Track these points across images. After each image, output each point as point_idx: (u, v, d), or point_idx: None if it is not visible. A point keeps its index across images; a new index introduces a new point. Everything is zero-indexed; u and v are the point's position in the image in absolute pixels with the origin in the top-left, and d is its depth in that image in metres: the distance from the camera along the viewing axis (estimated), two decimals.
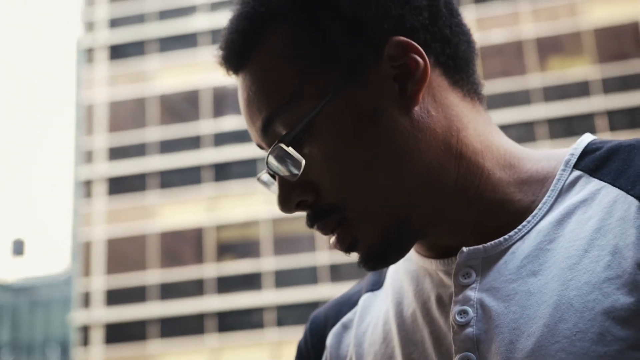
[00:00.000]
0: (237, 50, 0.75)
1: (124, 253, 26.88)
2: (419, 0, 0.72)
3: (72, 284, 34.16)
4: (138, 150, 27.92)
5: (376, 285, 0.84)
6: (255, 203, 26.38)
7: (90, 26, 29.84)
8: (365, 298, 0.83)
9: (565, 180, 0.72)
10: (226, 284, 25.72)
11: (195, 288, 25.95)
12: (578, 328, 0.62)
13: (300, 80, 0.70)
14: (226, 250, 26.54)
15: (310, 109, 0.69)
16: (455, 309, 0.69)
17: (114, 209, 27.44)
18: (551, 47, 24.43)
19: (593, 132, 20.74)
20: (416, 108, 0.70)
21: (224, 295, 25.55)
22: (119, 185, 27.64)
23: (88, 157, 28.42)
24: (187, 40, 28.60)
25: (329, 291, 24.65)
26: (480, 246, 0.71)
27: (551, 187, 0.71)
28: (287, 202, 0.71)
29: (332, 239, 0.73)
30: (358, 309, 0.83)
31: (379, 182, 0.69)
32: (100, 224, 27.33)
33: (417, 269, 0.77)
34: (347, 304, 0.85)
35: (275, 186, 0.75)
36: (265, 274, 25.56)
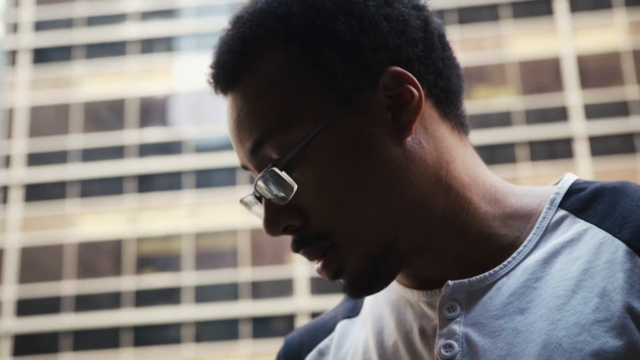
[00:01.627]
0: (229, 70, 0.74)
1: (38, 262, 26.07)
2: (415, 32, 0.73)
3: None
4: (59, 157, 27.23)
5: (353, 312, 0.83)
6: (177, 216, 26.05)
7: (14, 28, 29.04)
8: (342, 325, 0.83)
9: (551, 219, 0.73)
10: (144, 298, 25.24)
11: (112, 301, 25.37)
12: None
13: (294, 105, 0.70)
14: (146, 263, 26.08)
15: (304, 135, 0.69)
16: (440, 342, 0.69)
17: (31, 216, 26.63)
18: (476, 77, 25.07)
19: (514, 161, 21.33)
20: (409, 138, 0.71)
21: (142, 309, 25.06)
22: (37, 192, 26.86)
23: (6, 161, 27.54)
24: (115, 48, 28.15)
25: (249, 308, 24.49)
26: (466, 280, 0.71)
27: (536, 225, 0.72)
28: (273, 225, 0.71)
29: (318, 265, 0.73)
30: (335, 335, 0.82)
31: (369, 210, 0.69)
32: (15, 231, 26.47)
33: (397, 299, 0.77)
34: (323, 329, 0.84)
35: (257, 208, 0.75)
36: (185, 289, 25.21)
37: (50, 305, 25.42)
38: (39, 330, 25.13)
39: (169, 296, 25.17)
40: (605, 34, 25.33)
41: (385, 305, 0.78)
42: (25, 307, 25.51)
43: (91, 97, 27.85)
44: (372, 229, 0.70)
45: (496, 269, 0.71)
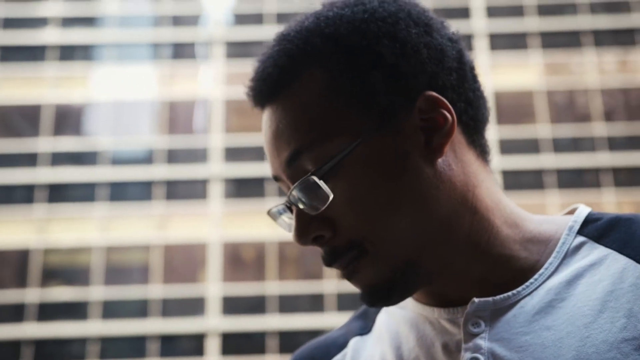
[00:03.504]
0: (271, 83, 0.76)
1: None
2: (451, 62, 0.78)
3: None
4: None
5: (364, 330, 0.85)
6: (88, 228, 25.38)
7: None
8: (354, 341, 0.84)
9: (570, 244, 0.77)
10: (49, 311, 24.38)
11: (14, 313, 24.39)
12: None
13: (334, 120, 0.73)
14: (52, 275, 25.23)
15: (342, 148, 0.72)
16: (466, 355, 0.72)
17: None
18: None
19: None
20: (439, 160, 0.75)
21: (45, 323, 24.19)
22: None
23: None
24: (33, 53, 27.36)
25: (158, 326, 24.01)
26: (490, 298, 0.74)
27: (556, 249, 0.76)
28: (304, 235, 0.73)
29: (340, 268, 0.75)
30: (348, 351, 0.84)
31: (397, 226, 0.72)
32: None
33: (415, 317, 0.79)
34: (335, 345, 0.86)
35: (283, 219, 0.78)
36: (93, 304, 24.50)
37: None
38: None
39: (75, 310, 24.41)
40: (521, 72, 26.37)
41: (403, 323, 0.80)
42: None
43: (4, 102, 26.93)
44: (399, 243, 0.73)
45: (519, 289, 0.74)
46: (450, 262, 0.75)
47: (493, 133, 25.29)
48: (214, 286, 24.46)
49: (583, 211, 0.81)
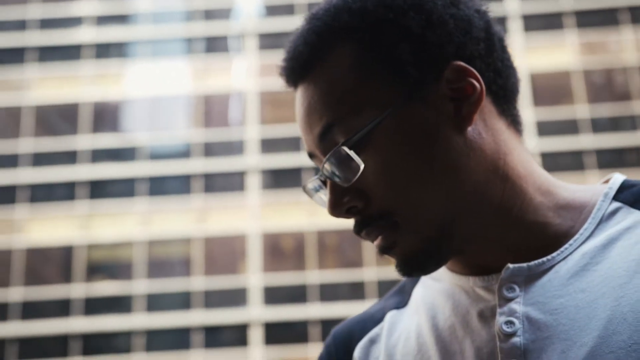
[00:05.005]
0: (302, 62, 0.78)
1: None
2: (478, 32, 0.79)
3: None
4: (9, 161, 26.65)
5: (401, 304, 0.86)
6: (129, 223, 25.73)
7: None
8: (391, 314, 0.86)
9: (606, 209, 0.77)
10: (94, 306, 24.82)
11: (60, 308, 24.87)
12: (633, 340, 0.65)
13: (363, 93, 0.75)
14: (96, 270, 25.66)
15: (371, 120, 0.73)
16: (500, 319, 0.72)
17: None
18: None
19: None
20: (469, 129, 0.75)
21: (91, 317, 24.64)
22: None
23: None
24: (68, 52, 27.74)
25: (201, 317, 24.29)
26: (524, 264, 0.74)
27: (592, 215, 0.77)
28: (338, 206, 0.75)
29: (375, 240, 0.77)
30: (385, 324, 0.85)
31: (429, 195, 0.73)
32: None
33: (450, 287, 0.80)
34: (372, 320, 0.87)
35: (319, 195, 0.79)
36: (136, 297, 24.88)
37: None
38: None
39: (120, 304, 24.81)
40: (557, 53, 26.02)
41: (438, 294, 0.81)
42: None
43: (43, 101, 27.37)
44: (431, 211, 0.74)
45: (554, 254, 0.75)
46: (483, 230, 0.75)
47: (530, 115, 25.04)
48: (254, 277, 24.65)
49: (618, 178, 0.81)
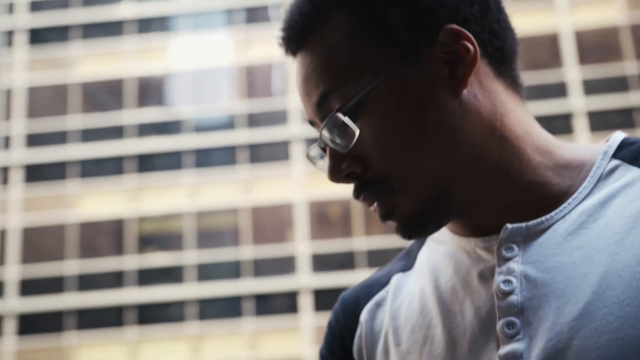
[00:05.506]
0: (299, 31, 0.80)
1: (40, 243, 26.15)
2: None
3: None
4: (58, 138, 27.20)
5: (406, 267, 0.88)
6: (178, 195, 26.12)
7: (9, 8, 28.86)
8: (397, 277, 0.87)
9: (604, 168, 0.77)
10: (147, 277, 25.36)
11: (114, 280, 25.48)
12: (626, 295, 0.66)
13: (358, 60, 0.76)
14: (147, 242, 26.17)
15: (365, 86, 0.75)
16: (499, 278, 0.73)
17: (31, 197, 26.65)
18: None
19: None
20: (464, 91, 0.76)
21: (145, 288, 25.20)
22: (37, 173, 26.86)
23: (5, 142, 27.50)
24: (111, 28, 28.03)
25: (251, 286, 24.65)
26: (523, 224, 0.75)
27: (591, 174, 0.77)
28: (336, 172, 0.76)
29: (374, 205, 0.78)
30: (390, 287, 0.86)
31: (424, 158, 0.74)
32: (16, 212, 26.51)
33: (453, 249, 0.81)
34: (378, 284, 0.89)
35: (321, 163, 0.81)
36: (187, 267, 25.34)
37: (54, 285, 25.53)
38: (42, 309, 25.27)
39: (171, 275, 25.30)
40: (604, 9, 25.37)
41: (441, 257, 0.83)
42: (29, 287, 25.62)
43: (88, 78, 27.77)
44: (427, 174, 0.74)
45: (552, 213, 0.75)
46: (481, 191, 0.76)
47: (576, 74, 24.57)
48: (302, 245, 24.87)
49: (618, 136, 0.81)
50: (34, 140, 27.26)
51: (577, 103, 24.60)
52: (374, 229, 24.30)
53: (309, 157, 0.83)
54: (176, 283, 25.14)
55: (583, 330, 0.65)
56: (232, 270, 24.99)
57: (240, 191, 25.90)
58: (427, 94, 0.75)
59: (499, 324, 0.71)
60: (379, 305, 0.86)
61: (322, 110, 0.77)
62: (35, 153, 27.07)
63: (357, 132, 0.74)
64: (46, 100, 27.85)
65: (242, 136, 26.31)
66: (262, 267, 24.81)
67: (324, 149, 0.80)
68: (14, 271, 25.86)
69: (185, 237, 25.80)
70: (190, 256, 25.44)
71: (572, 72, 24.93)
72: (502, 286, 0.72)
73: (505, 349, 0.69)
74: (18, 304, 25.51)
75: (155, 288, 25.11)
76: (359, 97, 0.74)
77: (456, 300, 0.77)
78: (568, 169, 0.78)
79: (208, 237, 25.65)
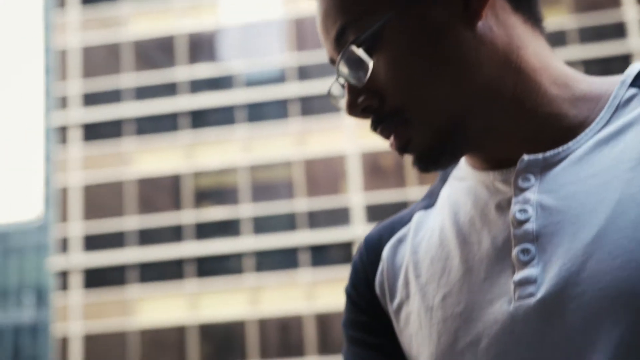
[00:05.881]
0: None
1: (101, 199, 26.82)
2: None
3: (47, 231, 34.05)
4: (113, 96, 27.64)
5: (428, 205, 0.89)
6: (232, 150, 26.38)
7: None
8: (418, 215, 0.89)
9: (622, 97, 0.77)
10: (204, 230, 25.85)
11: (173, 234, 26.05)
12: None
13: None
14: (204, 197, 26.60)
15: (381, 19, 0.75)
16: (515, 208, 0.74)
17: (90, 155, 27.27)
18: None
19: None
20: (479, 23, 0.75)
21: (203, 242, 25.71)
22: (94, 132, 27.42)
23: (62, 103, 28.08)
24: None
25: (307, 237, 24.92)
26: (540, 155, 0.76)
27: (608, 104, 0.76)
28: (353, 106, 0.78)
29: (391, 139, 0.80)
30: (412, 224, 0.88)
31: (438, 90, 0.75)
32: (76, 170, 27.18)
33: (472, 184, 0.82)
34: (400, 222, 0.90)
35: (343, 100, 0.82)
36: (244, 221, 25.71)
37: (115, 240, 26.25)
38: (106, 264, 26.05)
39: (228, 228, 25.73)
40: None
41: (461, 192, 0.84)
42: (92, 243, 26.40)
43: (140, 36, 28.01)
44: (441, 105, 0.75)
45: (569, 144, 0.75)
46: (497, 123, 0.76)
47: (635, 13, 23.80)
48: (356, 196, 24.97)
49: (636, 66, 0.79)
50: (89, 99, 27.76)
51: (636, 43, 23.88)
52: (427, 178, 24.22)
53: (330, 95, 0.84)
54: (233, 236, 25.57)
55: (597, 253, 0.67)
56: (287, 222, 25.28)
57: (293, 144, 26.03)
58: (441, 26, 0.75)
59: (514, 251, 0.72)
60: (400, 241, 0.88)
61: (340, 45, 0.78)
62: (91, 112, 27.60)
63: (371, 64, 0.75)
64: (100, 59, 28.25)
65: (293, 89, 26.33)
66: (317, 219, 25.03)
67: (343, 86, 0.81)
68: (77, 228, 26.65)
69: (240, 191, 26.13)
70: (245, 209, 25.79)
71: (631, 12, 24.15)
72: (518, 215, 0.73)
73: (519, 275, 0.71)
74: (82, 259, 26.35)
75: (212, 241, 25.60)
76: (374, 29, 0.75)
77: (474, 231, 0.78)
78: (585, 101, 0.77)
79: (262, 191, 25.93)
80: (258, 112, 26.59)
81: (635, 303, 0.64)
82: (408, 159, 0.80)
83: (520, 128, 0.76)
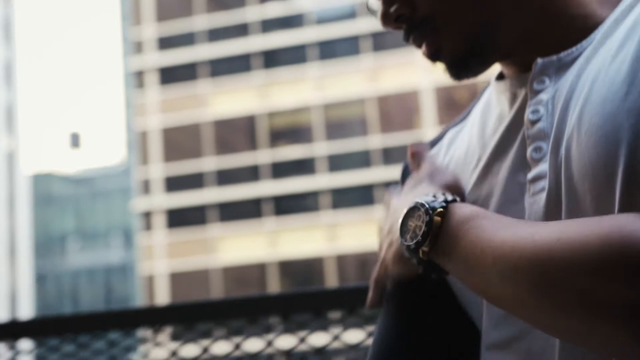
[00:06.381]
0: None
1: (179, 142, 27.44)
2: None
3: (130, 174, 35.13)
4: (186, 39, 27.94)
5: (460, 122, 0.92)
6: (305, 89, 26.44)
7: None
8: (450, 133, 0.92)
9: None
10: (280, 170, 26.19)
11: (250, 174, 26.50)
12: (611, 92, 0.68)
13: None
14: (279, 136, 26.86)
15: None
16: (528, 110, 0.75)
17: (167, 98, 27.81)
18: None
19: None
20: None
21: (279, 180, 26.08)
22: (170, 75, 27.89)
23: (138, 47, 28.58)
24: None
25: (381, 174, 24.96)
26: (554, 57, 0.76)
27: (628, 2, 0.76)
28: (387, 16, 0.80)
29: (422, 47, 0.81)
30: (444, 142, 0.92)
31: None
32: (155, 113, 27.81)
33: (497, 94, 0.84)
34: (434, 141, 0.94)
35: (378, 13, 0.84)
36: (319, 159, 25.90)
37: (195, 181, 26.91)
38: (187, 204, 26.80)
39: (304, 166, 25.99)
40: None
41: (488, 105, 0.86)
42: (173, 184, 27.15)
43: None
44: (470, 11, 0.76)
45: (582, 43, 0.75)
46: (525, 27, 0.77)
47: None
48: (431, 131, 24.75)
49: None
50: (164, 43, 28.15)
51: None
52: None
53: (369, 9, 0.86)
54: (309, 174, 25.83)
55: (577, 136, 0.69)
56: (362, 159, 25.34)
57: (365, 81, 25.88)
58: None
59: (529, 151, 0.75)
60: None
61: None
62: (166, 55, 28.01)
63: None
64: (172, 1, 28.51)
65: (364, 25, 26.03)
66: (392, 155, 24.99)
67: None
68: (158, 170, 27.41)
69: (314, 129, 26.26)
70: (320, 148, 25.95)
71: None
72: (531, 116, 0.75)
73: (532, 172, 0.74)
74: (164, 200, 27.16)
75: (289, 180, 25.93)
76: None
77: (495, 138, 0.80)
78: (614, 3, 0.78)
79: (336, 128, 25.99)
80: (330, 50, 26.46)
81: (607, 178, 0.66)
82: (441, 66, 0.83)
83: (548, 31, 0.77)
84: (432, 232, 0.72)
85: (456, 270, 0.72)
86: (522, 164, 0.76)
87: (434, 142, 0.93)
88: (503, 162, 0.79)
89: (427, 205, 0.73)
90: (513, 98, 0.81)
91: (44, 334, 1.70)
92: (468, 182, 0.82)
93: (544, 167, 0.73)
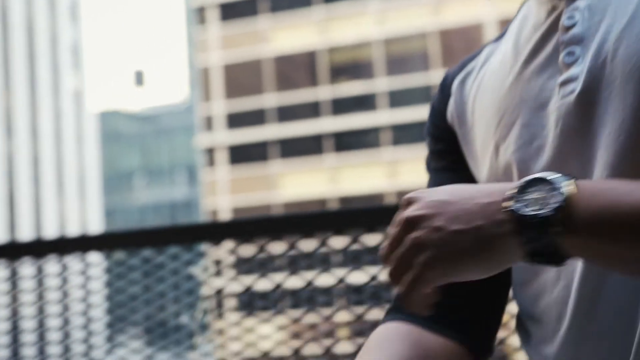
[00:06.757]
0: None
1: (240, 78, 27.58)
2: None
3: (193, 112, 35.57)
4: None
5: (499, 38, 0.92)
6: (366, 24, 26.11)
7: None
8: (488, 48, 0.92)
9: None
10: (341, 106, 26.14)
11: (311, 110, 26.54)
12: None
13: None
14: (339, 72, 26.73)
15: None
16: (564, 17, 0.77)
17: (228, 34, 27.86)
18: None
19: None
20: None
21: (340, 117, 26.06)
22: (231, 11, 27.87)
23: None
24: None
25: None
26: None
27: None
28: None
29: None
30: (480, 57, 0.92)
31: None
32: (216, 50, 27.93)
33: (536, 8, 0.84)
34: (471, 57, 0.94)
35: None
36: (379, 95, 25.74)
37: (256, 117, 27.12)
38: (249, 141, 27.08)
39: (364, 103, 25.87)
40: None
41: (525, 18, 0.86)
42: (234, 121, 27.42)
43: None
44: None
45: None
46: None
47: None
48: None
49: None
50: None
51: None
52: None
53: None
54: (369, 110, 25.73)
55: (626, 39, 0.71)
56: (423, 95, 25.06)
57: (427, 14, 25.39)
58: None
59: (561, 55, 0.76)
60: (468, 74, 0.92)
61: None
62: None
63: None
64: None
65: None
66: None
67: None
68: (220, 106, 27.67)
69: (375, 64, 26.01)
70: (381, 83, 25.74)
71: None
72: (566, 22, 0.77)
73: (564, 76, 0.75)
74: (226, 136, 27.49)
75: (349, 116, 25.89)
76: None
77: (528, 44, 0.82)
78: None
79: (397, 64, 25.69)
80: None
81: None
82: None
83: None
84: (567, 203, 0.63)
85: (601, 243, 0.63)
86: (554, 69, 0.77)
87: (472, 58, 0.94)
88: (535, 68, 0.80)
89: (551, 177, 0.65)
90: (552, 9, 0.81)
91: (110, 247, 1.78)
92: (500, 89, 0.83)
93: (575, 70, 0.74)
